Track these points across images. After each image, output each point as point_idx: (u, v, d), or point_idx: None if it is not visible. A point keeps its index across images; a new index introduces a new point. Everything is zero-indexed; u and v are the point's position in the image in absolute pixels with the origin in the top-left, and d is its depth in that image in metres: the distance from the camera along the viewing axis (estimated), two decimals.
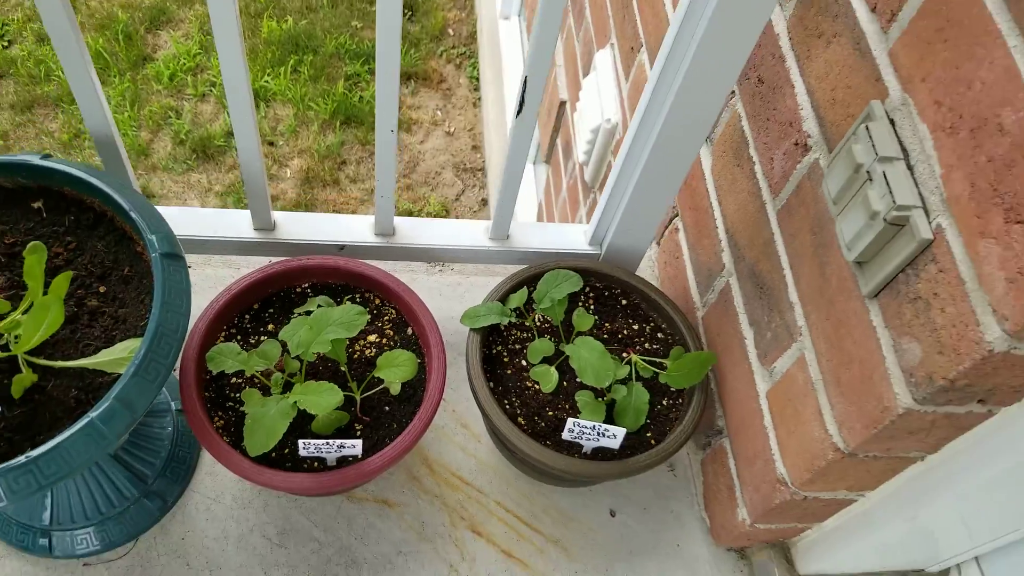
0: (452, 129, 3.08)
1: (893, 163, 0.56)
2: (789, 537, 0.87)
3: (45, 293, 0.62)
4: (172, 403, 0.89)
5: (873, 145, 0.57)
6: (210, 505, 0.86)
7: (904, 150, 0.57)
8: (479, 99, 3.18)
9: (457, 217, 2.81)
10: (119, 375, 0.61)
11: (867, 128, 0.58)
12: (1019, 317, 0.47)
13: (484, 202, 2.90)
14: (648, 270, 1.11)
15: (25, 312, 0.63)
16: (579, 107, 1.34)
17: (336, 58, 3.10)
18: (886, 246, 0.58)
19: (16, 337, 0.62)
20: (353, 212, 2.72)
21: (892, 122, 0.58)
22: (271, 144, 2.83)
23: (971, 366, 0.51)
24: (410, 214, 2.76)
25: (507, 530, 0.89)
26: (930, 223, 0.54)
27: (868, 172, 0.57)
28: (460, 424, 0.95)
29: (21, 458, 0.57)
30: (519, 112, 0.77)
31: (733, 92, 0.85)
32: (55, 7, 0.67)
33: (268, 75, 2.98)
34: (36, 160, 0.70)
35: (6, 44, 2.89)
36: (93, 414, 0.58)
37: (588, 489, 0.92)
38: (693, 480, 0.95)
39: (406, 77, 3.12)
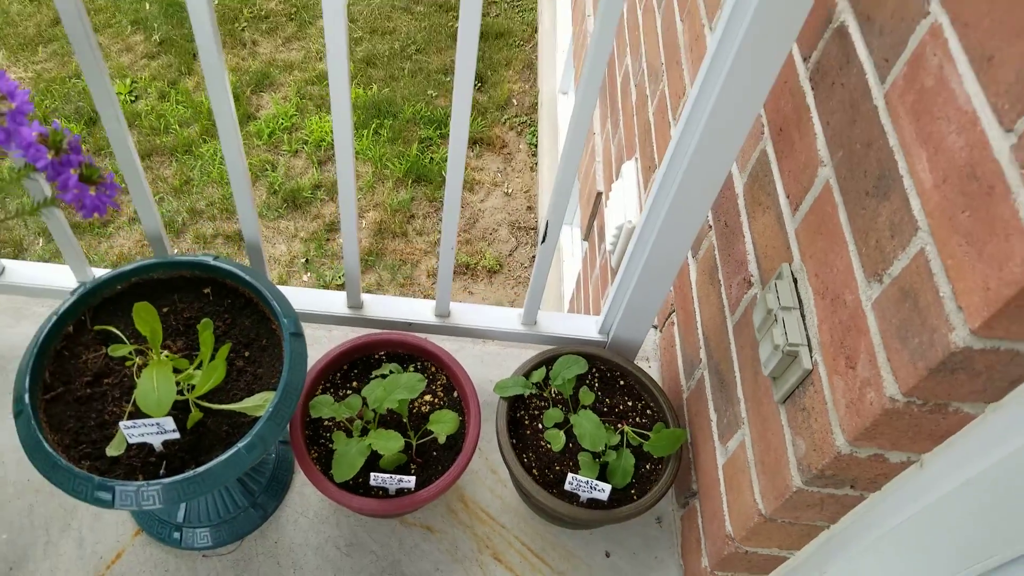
0: (510, 190, 3.38)
1: (791, 311, 0.81)
2: None
3: (212, 357, 0.91)
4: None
5: (778, 297, 0.82)
6: (298, 518, 1.14)
7: (800, 302, 0.82)
8: (536, 164, 3.47)
9: (509, 271, 3.09)
10: (258, 417, 0.89)
11: (776, 284, 0.83)
12: (852, 431, 0.71)
13: (533, 258, 3.18)
14: (652, 351, 1.36)
15: (197, 368, 0.92)
16: (609, 203, 1.60)
17: (412, 123, 3.45)
18: (786, 369, 0.82)
19: (191, 386, 0.92)
20: (417, 262, 3.02)
21: (795, 280, 0.83)
22: None
23: (830, 462, 0.75)
24: (467, 267, 3.06)
25: (522, 560, 1.14)
26: (811, 357, 0.79)
27: (775, 315, 0.82)
28: (490, 470, 1.21)
29: (190, 472, 0.85)
30: (543, 241, 1.04)
31: (710, 226, 1.10)
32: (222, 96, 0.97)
33: (354, 136, 3.33)
34: (210, 261, 1.01)
35: (133, 99, 3.32)
36: (240, 444, 0.87)
37: (589, 532, 1.17)
38: (675, 533, 1.19)
39: (472, 141, 3.44)
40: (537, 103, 3.72)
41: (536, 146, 3.54)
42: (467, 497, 1.18)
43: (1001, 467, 0.66)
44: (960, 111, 0.59)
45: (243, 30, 3.70)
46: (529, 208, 3.32)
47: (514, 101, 3.72)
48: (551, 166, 3.14)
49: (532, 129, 3.61)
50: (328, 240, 3.00)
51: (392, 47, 3.77)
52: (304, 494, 1.16)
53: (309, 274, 2.90)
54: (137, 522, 1.11)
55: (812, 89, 0.83)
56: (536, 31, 4.04)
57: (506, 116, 3.64)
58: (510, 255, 3.16)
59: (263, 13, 3.81)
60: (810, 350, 0.79)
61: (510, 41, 3.97)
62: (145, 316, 0.91)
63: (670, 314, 1.29)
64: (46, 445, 0.86)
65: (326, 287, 2.55)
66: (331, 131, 3.29)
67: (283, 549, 1.11)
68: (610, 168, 1.82)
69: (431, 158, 3.33)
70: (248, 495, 1.11)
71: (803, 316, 0.81)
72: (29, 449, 0.87)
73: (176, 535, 1.09)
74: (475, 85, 3.68)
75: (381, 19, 3.89)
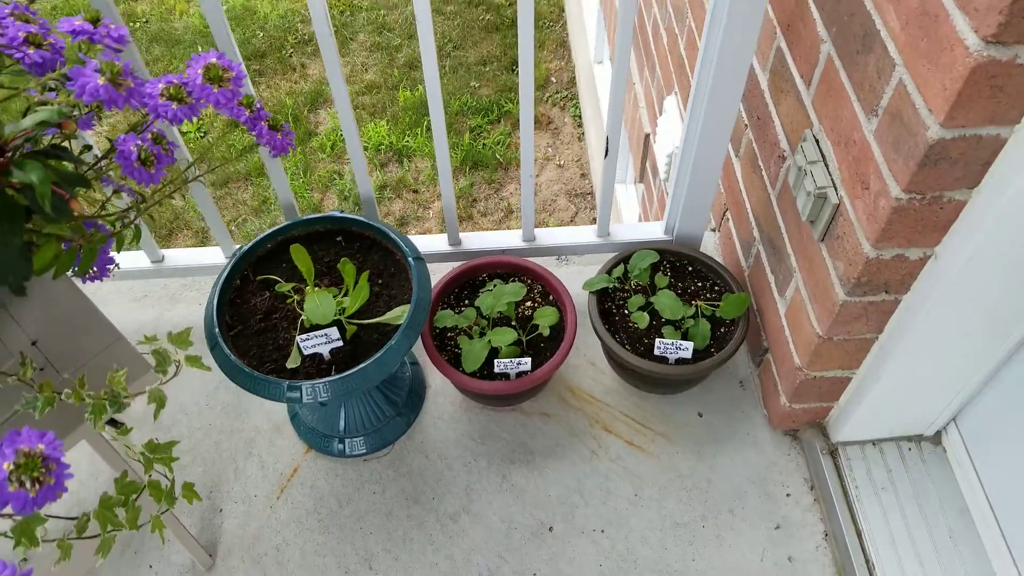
0: (562, 162, 3.61)
1: (816, 164, 1.02)
2: (821, 417, 1.31)
3: (355, 284, 1.17)
4: (408, 361, 1.44)
5: (804, 155, 1.04)
6: (435, 422, 1.40)
7: (823, 155, 1.03)
8: (583, 134, 3.70)
9: None
10: (398, 326, 1.15)
11: (802, 146, 1.04)
12: (874, 236, 0.92)
13: (594, 220, 3.40)
14: (712, 248, 1.57)
15: (344, 295, 1.19)
16: (657, 138, 1.82)
17: (461, 115, 3.71)
18: (820, 211, 1.03)
19: (342, 309, 1.18)
20: None
21: (816, 140, 1.04)
22: (415, 192, 3.46)
23: (863, 268, 0.96)
24: None
25: (628, 428, 1.37)
26: (837, 194, 1.00)
27: (804, 170, 1.04)
28: (589, 363, 1.45)
29: (353, 369, 1.11)
30: (606, 155, 1.28)
31: (746, 124, 1.32)
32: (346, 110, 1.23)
33: (407, 136, 3.62)
34: (338, 215, 1.28)
35: (203, 134, 3.68)
36: (388, 343, 1.12)
37: (681, 398, 1.39)
38: (755, 388, 1.40)
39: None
40: (575, 77, 3.95)
41: (580, 117, 3.77)
42: (573, 386, 1.42)
43: (989, 242, 0.87)
44: None
45: (291, 56, 4.04)
46: (583, 175, 3.55)
47: (552, 79, 3.96)
48: (597, 133, 3.37)
49: (574, 102, 3.84)
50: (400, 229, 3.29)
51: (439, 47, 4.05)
52: (438, 403, 1.42)
53: None
54: (306, 442, 1.38)
55: None
56: (563, 11, 4.27)
57: (547, 94, 3.88)
58: (571, 221, 3.39)
59: (305, 38, 4.14)
60: (835, 189, 1.00)
61: (540, 24, 4.20)
62: (300, 257, 1.18)
63: (724, 212, 1.51)
64: (242, 365, 1.13)
65: None
66: (386, 135, 3.58)
67: (428, 446, 1.37)
68: (653, 110, 2.04)
69: (483, 144, 3.59)
70: (393, 406, 1.37)
71: (826, 165, 1.02)
72: (229, 371, 1.14)
73: (340, 446, 1.36)
74: (511, 69, 3.93)
75: (412, 24, 4.18)
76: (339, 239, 1.30)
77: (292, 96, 3.81)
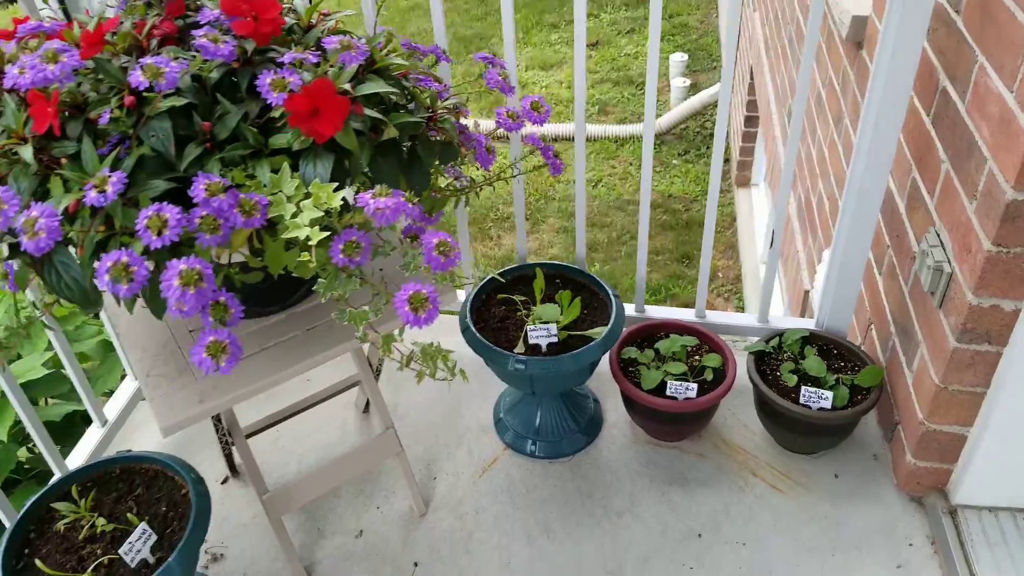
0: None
1: (936, 247, 1.42)
2: (943, 483, 1.57)
3: (569, 304, 1.64)
4: (593, 395, 1.85)
5: (928, 242, 1.44)
6: (608, 446, 1.76)
7: (941, 241, 1.42)
8: None
9: None
10: (595, 339, 1.58)
11: (926, 237, 1.45)
12: (973, 284, 1.29)
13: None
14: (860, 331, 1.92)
15: (561, 313, 1.65)
16: (815, 285, 2.23)
17: (630, 290, 4.24)
18: (938, 282, 1.41)
19: (557, 321, 1.63)
20: None
21: (937, 232, 1.44)
22: None
23: (967, 315, 1.32)
24: None
25: (771, 474, 1.68)
26: (950, 266, 1.38)
27: (927, 252, 1.43)
28: (742, 424, 1.79)
29: (560, 355, 1.54)
30: (771, 245, 1.72)
31: (888, 244, 1.73)
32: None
33: None
34: (558, 263, 1.78)
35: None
36: (589, 346, 1.55)
37: (821, 459, 1.69)
38: (887, 462, 1.68)
39: (683, 305, 4.17)
40: (740, 275, 4.44)
41: (743, 308, 4.20)
42: (726, 438, 1.76)
43: None
44: None
45: (490, 228, 4.83)
46: None
47: (720, 274, 4.47)
48: None
49: (738, 295, 4.30)
50: None
51: (610, 236, 4.72)
52: (611, 434, 1.79)
53: None
54: (504, 441, 1.79)
55: (933, 126, 1.50)
56: (735, 219, 4.87)
57: (714, 286, 4.37)
58: None
59: (504, 216, 4.95)
60: (949, 262, 1.39)
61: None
62: (538, 278, 1.68)
63: (868, 326, 1.87)
64: (485, 340, 1.59)
65: None
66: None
67: (601, 462, 1.73)
68: (812, 267, 2.47)
69: None
70: (576, 424, 1.77)
71: (943, 245, 1.41)
72: (475, 345, 1.60)
73: (532, 447, 1.75)
74: (684, 263, 4.49)
75: (600, 215, 4.90)
76: (558, 280, 1.79)
77: (486, 259, 4.53)
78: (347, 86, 0.99)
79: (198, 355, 0.94)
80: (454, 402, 1.90)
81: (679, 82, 5.93)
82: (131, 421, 1.89)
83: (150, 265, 0.94)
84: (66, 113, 0.99)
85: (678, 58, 6.05)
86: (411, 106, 1.13)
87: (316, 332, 1.32)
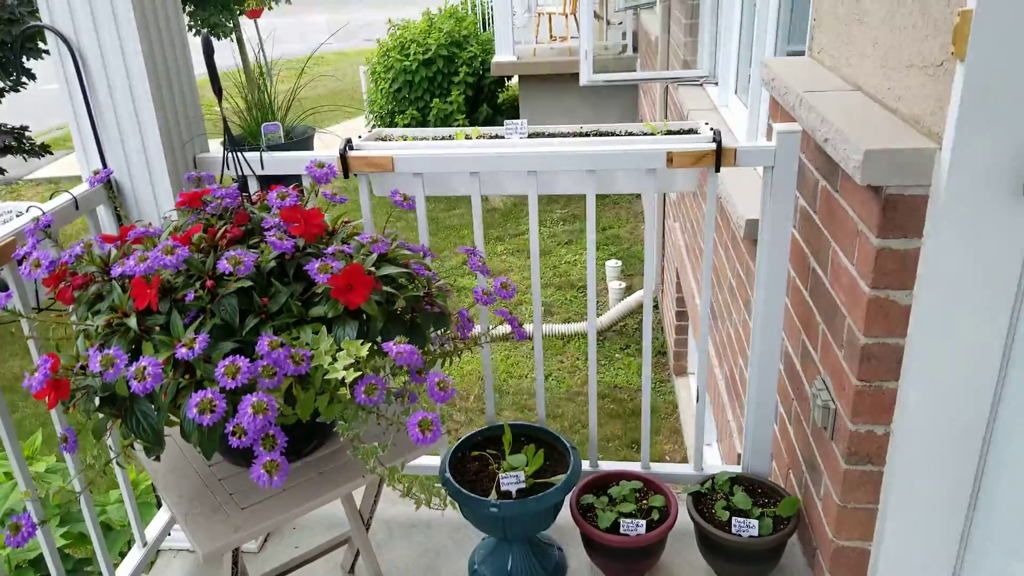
0: None
1: (822, 391, 1.82)
2: None
3: (534, 456, 1.95)
4: (556, 544, 2.11)
5: (816, 387, 1.84)
6: None
7: (827, 385, 1.83)
8: None
9: None
10: (555, 485, 1.89)
11: (815, 382, 1.85)
12: (850, 414, 1.68)
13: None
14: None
15: (525, 465, 1.96)
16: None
17: None
18: (826, 417, 1.80)
19: (524, 470, 1.94)
20: None
21: (823, 379, 1.85)
22: None
23: (849, 440, 1.69)
24: None
25: None
26: (834, 403, 1.77)
27: (816, 395, 1.83)
28: (688, 563, 2.06)
29: (528, 497, 1.84)
30: (697, 401, 2.10)
31: (792, 398, 2.13)
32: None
33: None
34: (523, 423, 2.11)
35: None
36: (552, 489, 1.86)
37: None
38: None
39: None
40: (686, 458, 4.76)
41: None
42: (675, 573, 2.03)
43: (921, 415, 1.61)
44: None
45: (454, 415, 5.12)
46: None
47: (667, 458, 4.79)
48: None
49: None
50: None
51: (562, 425, 5.05)
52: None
53: None
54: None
55: (811, 297, 1.95)
56: (676, 407, 5.27)
57: None
58: None
59: (472, 400, 5.25)
60: (833, 401, 1.78)
61: (656, 415, 5.19)
62: (507, 434, 2.00)
63: (787, 472, 2.22)
64: (463, 489, 1.89)
65: None
66: None
67: None
68: (741, 433, 2.84)
69: None
70: (544, 569, 2.02)
71: (828, 388, 1.81)
72: (454, 494, 1.89)
73: None
74: (633, 448, 4.81)
75: (552, 406, 5.25)
76: (523, 438, 2.12)
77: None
78: (372, 268, 1.38)
79: (256, 472, 1.24)
80: (431, 560, 2.13)
81: (615, 284, 6.57)
82: None
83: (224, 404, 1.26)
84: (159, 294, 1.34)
85: (613, 264, 6.74)
86: (411, 286, 1.52)
87: (327, 474, 1.61)
